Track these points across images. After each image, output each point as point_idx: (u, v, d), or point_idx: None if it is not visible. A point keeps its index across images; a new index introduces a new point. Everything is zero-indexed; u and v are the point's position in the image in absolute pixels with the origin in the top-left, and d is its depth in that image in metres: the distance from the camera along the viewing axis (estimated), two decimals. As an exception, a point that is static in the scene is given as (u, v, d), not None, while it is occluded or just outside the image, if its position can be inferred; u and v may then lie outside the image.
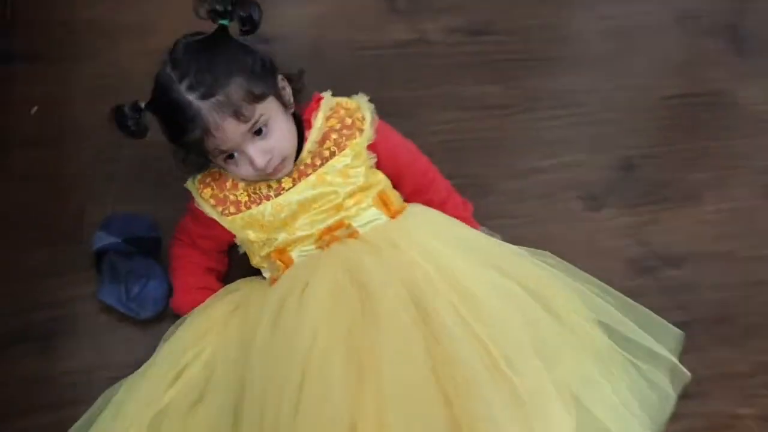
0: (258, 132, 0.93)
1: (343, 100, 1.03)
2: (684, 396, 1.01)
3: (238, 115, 0.89)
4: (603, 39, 1.48)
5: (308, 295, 0.91)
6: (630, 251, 1.23)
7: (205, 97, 0.88)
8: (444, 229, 1.02)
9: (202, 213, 1.01)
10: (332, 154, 0.99)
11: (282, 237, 0.99)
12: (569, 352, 0.94)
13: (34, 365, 1.07)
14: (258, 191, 1.00)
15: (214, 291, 1.05)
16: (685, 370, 1.00)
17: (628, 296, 1.04)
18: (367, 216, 1.00)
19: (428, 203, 1.06)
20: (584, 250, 1.19)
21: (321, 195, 0.98)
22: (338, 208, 0.99)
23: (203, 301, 1.03)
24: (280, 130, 0.96)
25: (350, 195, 0.99)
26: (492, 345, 0.88)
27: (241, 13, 0.93)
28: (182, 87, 0.88)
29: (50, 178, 1.23)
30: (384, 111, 1.05)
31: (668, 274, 1.21)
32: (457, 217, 1.06)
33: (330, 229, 0.98)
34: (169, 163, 1.02)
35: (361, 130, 1.00)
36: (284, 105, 0.98)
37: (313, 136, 1.00)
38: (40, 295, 1.12)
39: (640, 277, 1.20)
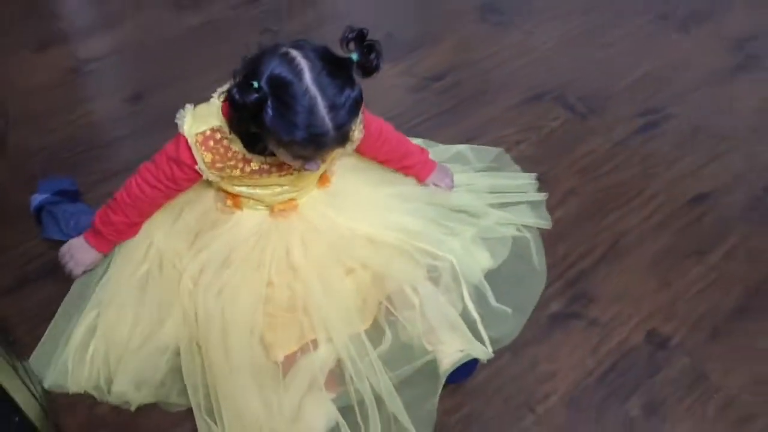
0: None
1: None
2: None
3: (345, 144, 0.99)
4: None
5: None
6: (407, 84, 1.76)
7: (338, 128, 0.93)
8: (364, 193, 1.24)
9: (189, 162, 1.06)
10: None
11: (254, 192, 1.12)
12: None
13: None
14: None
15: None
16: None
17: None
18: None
19: (387, 162, 1.26)
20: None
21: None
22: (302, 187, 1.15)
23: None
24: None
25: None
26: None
27: (372, 57, 0.95)
28: (324, 109, 0.91)
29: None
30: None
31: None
32: (416, 163, 1.27)
33: (284, 204, 1.15)
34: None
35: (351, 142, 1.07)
36: None
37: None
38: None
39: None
